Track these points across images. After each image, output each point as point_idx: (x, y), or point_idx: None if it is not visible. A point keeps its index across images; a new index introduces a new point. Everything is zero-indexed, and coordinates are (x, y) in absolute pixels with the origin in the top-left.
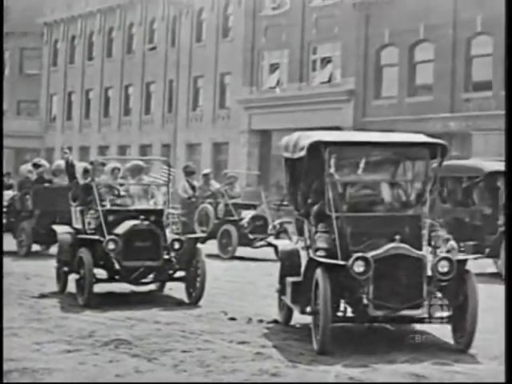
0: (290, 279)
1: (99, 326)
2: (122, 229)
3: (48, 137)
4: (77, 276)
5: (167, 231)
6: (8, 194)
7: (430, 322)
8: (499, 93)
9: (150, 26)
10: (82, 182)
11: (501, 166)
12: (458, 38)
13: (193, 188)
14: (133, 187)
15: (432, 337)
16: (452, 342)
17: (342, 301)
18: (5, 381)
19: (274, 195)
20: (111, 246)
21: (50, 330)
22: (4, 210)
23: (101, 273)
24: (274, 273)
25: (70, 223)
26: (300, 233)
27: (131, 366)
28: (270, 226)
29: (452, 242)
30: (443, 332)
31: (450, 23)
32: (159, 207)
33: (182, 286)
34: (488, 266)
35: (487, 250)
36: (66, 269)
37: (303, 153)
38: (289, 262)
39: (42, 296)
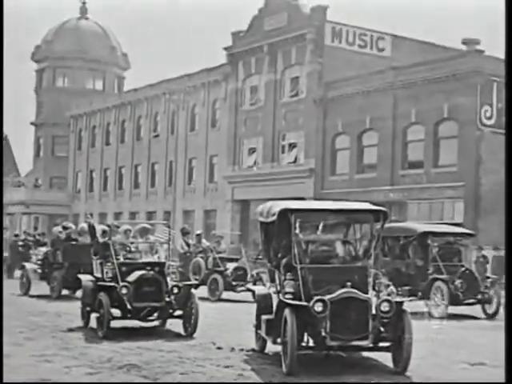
0: (264, 317)
1: (115, 353)
2: (132, 277)
3: (74, 205)
4: (97, 314)
5: (168, 279)
6: (43, 250)
7: (374, 350)
8: (429, 170)
9: (154, 118)
10: (101, 240)
11: (430, 228)
12: (396, 127)
13: (188, 245)
14: (141, 245)
15: (376, 362)
16: (392, 366)
17: (305, 333)
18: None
19: (252, 251)
20: (124, 290)
21: (76, 357)
22: (39, 262)
23: (116, 312)
24: (252, 312)
25: (92, 273)
26: (272, 280)
27: None
28: (249, 275)
29: (392, 287)
30: (385, 358)
31: (391, 115)
32: (162, 260)
33: (179, 322)
34: (420, 306)
35: (419, 294)
36: (88, 309)
37: (274, 217)
38: (263, 303)
39: (70, 330)
